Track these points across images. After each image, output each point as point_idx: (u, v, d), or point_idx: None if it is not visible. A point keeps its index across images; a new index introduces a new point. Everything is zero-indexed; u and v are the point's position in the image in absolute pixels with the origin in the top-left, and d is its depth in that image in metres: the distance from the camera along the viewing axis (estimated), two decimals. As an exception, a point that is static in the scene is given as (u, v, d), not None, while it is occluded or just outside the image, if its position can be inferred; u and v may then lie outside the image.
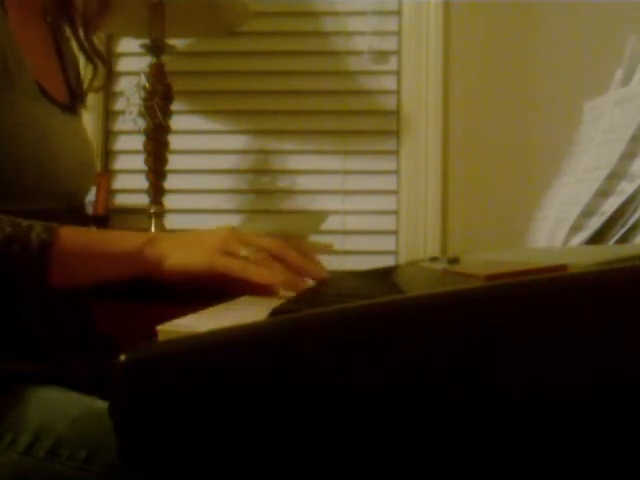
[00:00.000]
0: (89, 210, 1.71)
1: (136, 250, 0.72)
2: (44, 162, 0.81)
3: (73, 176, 0.87)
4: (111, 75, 1.07)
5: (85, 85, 1.00)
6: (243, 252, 0.73)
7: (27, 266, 0.68)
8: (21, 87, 0.79)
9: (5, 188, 0.76)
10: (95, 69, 1.00)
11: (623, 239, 0.68)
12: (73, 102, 0.94)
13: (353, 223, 1.82)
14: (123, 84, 1.80)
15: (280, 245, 0.75)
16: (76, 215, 0.91)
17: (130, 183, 1.84)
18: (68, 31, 0.98)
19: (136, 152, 1.67)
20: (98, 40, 1.00)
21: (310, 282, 0.78)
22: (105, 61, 1.03)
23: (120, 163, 1.87)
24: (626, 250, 0.48)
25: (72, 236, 0.71)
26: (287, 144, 1.85)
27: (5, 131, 0.76)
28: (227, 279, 0.72)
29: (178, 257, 0.72)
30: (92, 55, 0.99)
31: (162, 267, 0.72)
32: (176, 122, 1.65)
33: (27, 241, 0.68)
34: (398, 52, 1.82)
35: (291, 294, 0.70)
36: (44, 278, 0.68)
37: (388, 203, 1.82)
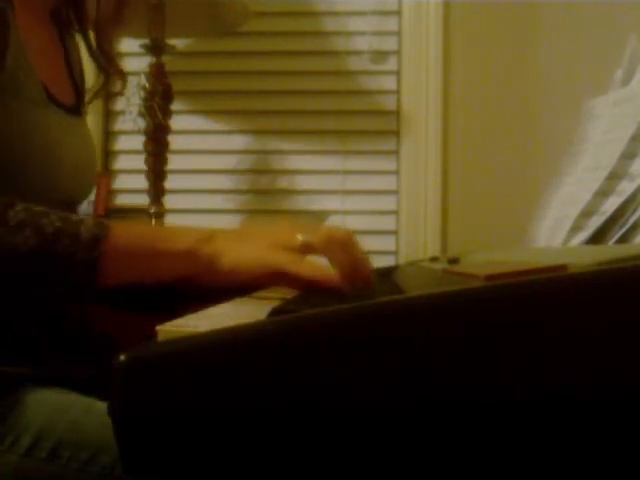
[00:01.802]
0: (89, 210, 1.71)
1: (191, 248, 0.67)
2: (47, 170, 0.80)
3: (74, 182, 0.87)
4: (125, 86, 1.02)
5: (93, 91, 0.97)
6: (300, 237, 0.66)
7: (76, 261, 0.64)
8: (28, 93, 0.79)
9: (6, 194, 0.76)
10: (107, 79, 0.97)
11: (623, 239, 0.68)
12: (79, 103, 0.93)
13: (353, 223, 1.82)
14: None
15: (345, 232, 0.68)
16: None
17: (130, 183, 1.84)
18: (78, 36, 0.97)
19: (136, 152, 1.67)
20: (114, 50, 0.97)
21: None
22: (121, 74, 0.99)
23: (120, 163, 1.87)
24: (626, 250, 0.48)
25: (124, 232, 0.68)
26: (287, 144, 1.85)
27: (10, 139, 0.75)
28: (282, 277, 0.65)
29: (232, 256, 0.66)
30: (105, 66, 0.95)
31: (216, 267, 0.65)
32: (176, 122, 1.65)
33: (77, 235, 0.64)
34: (398, 52, 1.82)
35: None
36: (94, 274, 0.65)
37: (388, 203, 1.82)
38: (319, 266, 0.65)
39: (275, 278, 0.65)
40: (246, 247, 0.67)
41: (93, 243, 0.64)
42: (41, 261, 0.64)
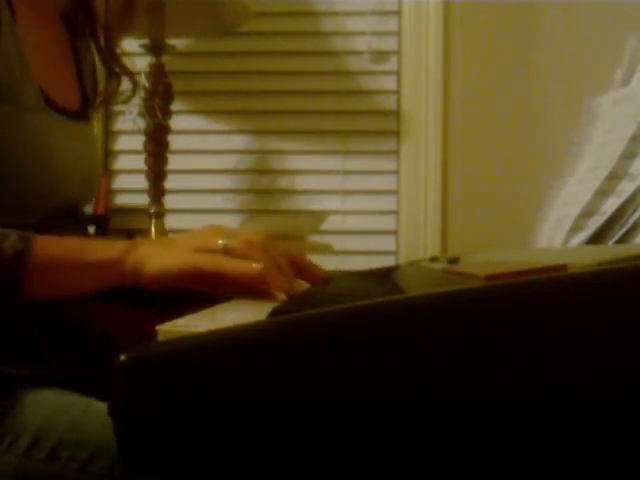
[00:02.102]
0: (89, 210, 1.71)
1: (116, 258, 0.68)
2: (44, 177, 0.79)
3: (75, 187, 0.86)
4: (136, 89, 1.02)
5: (103, 96, 0.97)
6: (220, 242, 0.67)
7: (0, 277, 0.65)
8: (24, 99, 0.78)
9: (6, 202, 0.76)
10: (118, 83, 0.97)
11: (623, 239, 0.68)
12: (86, 108, 0.92)
13: (353, 223, 1.82)
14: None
15: (264, 237, 0.69)
16: (78, 222, 0.90)
17: (130, 183, 1.84)
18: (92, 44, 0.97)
19: (136, 152, 1.67)
20: (121, 52, 0.97)
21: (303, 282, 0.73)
22: (130, 75, 0.99)
23: (120, 163, 1.87)
24: (626, 250, 0.48)
25: (48, 246, 0.69)
26: (287, 144, 1.85)
27: (4, 145, 0.75)
28: (206, 277, 0.66)
29: (155, 262, 0.67)
30: (114, 68, 0.96)
31: (140, 273, 0.67)
32: (176, 122, 1.65)
33: None
34: (398, 52, 1.82)
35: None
36: (17, 289, 0.66)
37: (388, 203, 1.82)
38: (242, 262, 0.65)
39: (199, 278, 0.66)
40: (167, 253, 0.68)
41: (16, 257, 0.66)
42: None
